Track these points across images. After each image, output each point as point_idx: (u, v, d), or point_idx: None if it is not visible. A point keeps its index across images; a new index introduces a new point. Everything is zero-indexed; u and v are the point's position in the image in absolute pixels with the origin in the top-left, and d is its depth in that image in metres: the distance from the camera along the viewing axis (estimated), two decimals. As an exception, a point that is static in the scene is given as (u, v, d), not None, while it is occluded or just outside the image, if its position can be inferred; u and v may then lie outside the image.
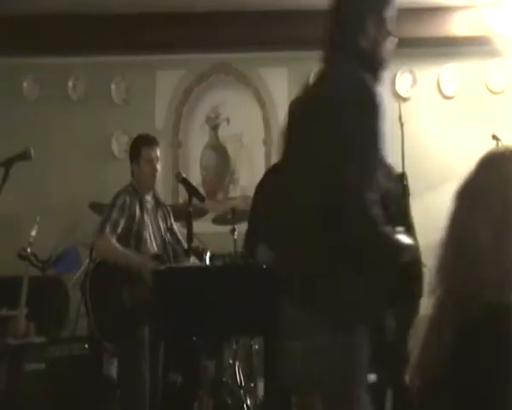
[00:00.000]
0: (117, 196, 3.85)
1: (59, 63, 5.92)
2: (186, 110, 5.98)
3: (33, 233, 4.77)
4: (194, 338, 3.91)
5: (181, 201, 4.93)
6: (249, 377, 4.41)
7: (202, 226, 4.70)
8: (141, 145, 3.96)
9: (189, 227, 3.79)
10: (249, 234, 3.75)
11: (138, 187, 3.91)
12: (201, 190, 4.85)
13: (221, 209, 5.19)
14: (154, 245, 3.89)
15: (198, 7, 5.42)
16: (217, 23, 5.53)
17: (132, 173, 3.98)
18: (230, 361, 4.31)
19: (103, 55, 5.90)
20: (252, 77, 5.94)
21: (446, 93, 5.80)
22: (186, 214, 3.82)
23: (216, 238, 4.82)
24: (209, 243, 4.67)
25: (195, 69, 5.97)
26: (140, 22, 5.52)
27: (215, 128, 5.97)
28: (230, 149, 5.95)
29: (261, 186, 3.84)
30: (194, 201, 3.93)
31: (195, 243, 4.20)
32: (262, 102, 5.94)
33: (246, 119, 5.92)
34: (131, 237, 3.78)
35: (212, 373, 4.00)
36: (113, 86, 5.94)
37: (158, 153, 3.97)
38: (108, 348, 3.87)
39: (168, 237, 3.98)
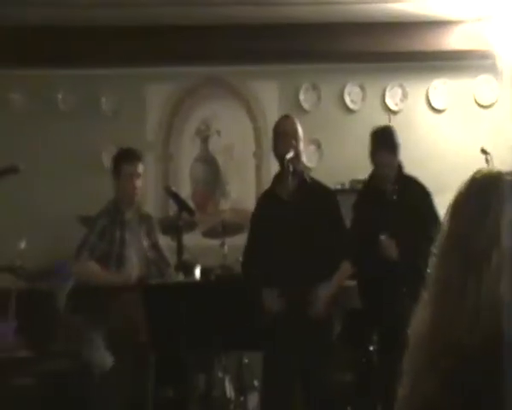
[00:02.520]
0: (97, 218, 3.80)
1: (49, 75, 5.90)
2: (176, 123, 5.97)
3: (22, 246, 4.74)
4: (184, 352, 3.89)
5: (171, 214, 4.91)
6: (239, 391, 4.39)
7: (192, 239, 4.68)
8: (121, 161, 3.87)
9: (179, 241, 3.78)
10: (248, 266, 3.74)
11: (120, 203, 3.85)
12: (191, 203, 4.86)
13: (211, 222, 5.17)
14: (136, 266, 3.81)
15: (189, 20, 5.43)
16: (208, 36, 5.54)
17: (115, 189, 3.92)
18: (220, 375, 4.29)
19: (93, 68, 5.88)
20: (242, 90, 5.95)
21: (436, 107, 5.83)
22: (176, 228, 3.80)
23: (206, 251, 4.81)
24: (199, 257, 4.67)
25: (186, 82, 5.97)
26: (131, 35, 5.51)
27: (205, 141, 5.96)
28: (221, 161, 5.94)
29: (259, 216, 3.79)
30: (184, 214, 3.92)
31: (185, 257, 4.18)
32: (253, 114, 5.94)
33: (236, 131, 5.92)
34: (112, 259, 3.72)
35: (201, 387, 3.98)
36: (103, 99, 5.92)
37: (139, 169, 3.86)
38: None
39: (151, 254, 3.90)
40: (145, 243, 3.89)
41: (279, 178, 3.69)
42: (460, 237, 1.24)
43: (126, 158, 3.88)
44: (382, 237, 3.71)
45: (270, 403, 3.56)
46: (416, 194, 3.95)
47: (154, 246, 3.94)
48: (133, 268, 3.79)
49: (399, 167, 4.00)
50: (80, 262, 3.68)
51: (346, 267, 3.62)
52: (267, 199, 3.77)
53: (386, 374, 3.45)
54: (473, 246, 1.21)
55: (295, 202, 3.39)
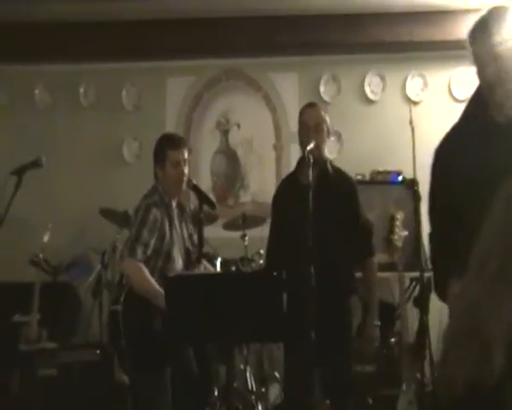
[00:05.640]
0: (147, 209, 3.50)
1: (70, 70, 5.95)
2: (196, 116, 5.99)
3: (45, 239, 4.80)
4: (205, 344, 3.91)
5: (192, 207, 4.94)
6: (260, 382, 4.41)
7: (213, 231, 4.71)
8: (167, 147, 3.61)
9: (200, 234, 3.77)
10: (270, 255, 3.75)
11: (164, 193, 3.61)
12: (212, 196, 4.87)
13: (231, 215, 5.19)
14: (181, 262, 3.67)
15: (208, 13, 5.43)
16: (227, 28, 5.54)
17: (156, 177, 3.67)
18: (242, 367, 4.32)
19: (114, 62, 5.93)
20: (262, 82, 5.95)
21: (457, 97, 5.78)
22: (197, 221, 3.80)
23: (226, 244, 4.84)
24: (220, 249, 4.70)
25: (206, 75, 5.98)
26: (150, 28, 5.54)
27: (225, 133, 5.97)
28: (241, 154, 5.96)
29: (277, 199, 3.80)
30: (205, 207, 3.92)
31: (206, 249, 4.21)
32: (272, 106, 5.94)
33: (256, 124, 5.93)
34: (160, 256, 3.52)
35: (223, 379, 4.00)
36: (123, 92, 5.97)
37: (186, 155, 3.63)
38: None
39: (189, 245, 3.75)
40: (186, 235, 3.74)
41: (302, 163, 3.67)
42: None
43: (172, 143, 3.64)
44: None
45: (291, 393, 3.57)
46: None
47: (191, 238, 3.79)
48: (178, 267, 3.63)
49: None
50: (134, 264, 3.41)
51: (374, 265, 3.56)
52: (287, 182, 3.77)
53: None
54: None
55: (314, 189, 3.34)
